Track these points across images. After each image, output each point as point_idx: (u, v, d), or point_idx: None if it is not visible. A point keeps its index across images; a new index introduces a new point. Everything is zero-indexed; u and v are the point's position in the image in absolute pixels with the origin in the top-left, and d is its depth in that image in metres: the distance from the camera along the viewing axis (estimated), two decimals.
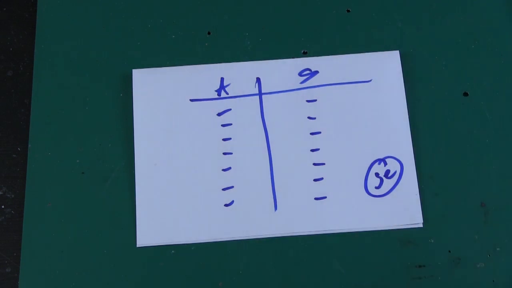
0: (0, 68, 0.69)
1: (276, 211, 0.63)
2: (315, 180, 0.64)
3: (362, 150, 0.64)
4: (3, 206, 0.65)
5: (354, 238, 0.62)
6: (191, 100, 0.66)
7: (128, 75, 0.67)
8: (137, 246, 0.63)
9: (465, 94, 0.66)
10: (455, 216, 0.63)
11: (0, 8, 0.71)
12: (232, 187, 0.64)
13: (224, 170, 0.64)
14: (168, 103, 0.66)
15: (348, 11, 0.69)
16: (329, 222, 0.63)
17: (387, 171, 0.64)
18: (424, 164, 0.64)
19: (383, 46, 0.67)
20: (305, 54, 0.67)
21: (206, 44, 0.68)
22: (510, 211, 0.63)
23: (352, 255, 0.62)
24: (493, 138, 0.65)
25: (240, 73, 0.67)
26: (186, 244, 0.63)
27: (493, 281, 0.62)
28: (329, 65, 0.67)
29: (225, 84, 0.66)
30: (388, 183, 0.63)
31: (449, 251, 0.62)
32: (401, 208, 0.63)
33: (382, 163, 0.64)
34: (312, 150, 0.64)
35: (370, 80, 0.66)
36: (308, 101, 0.66)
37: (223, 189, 0.64)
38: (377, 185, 0.63)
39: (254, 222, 0.63)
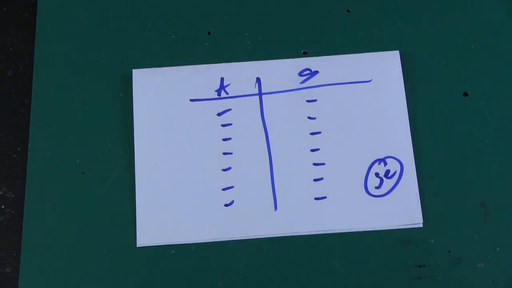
0: (0, 68, 0.69)
1: (276, 211, 0.63)
2: (315, 180, 0.64)
3: (362, 150, 0.64)
4: (3, 206, 0.65)
5: (354, 238, 0.62)
6: (191, 100, 0.66)
7: (128, 75, 0.67)
8: (137, 246, 0.63)
9: (465, 94, 0.66)
10: (455, 216, 0.63)
11: (0, 8, 0.71)
12: (232, 187, 0.64)
13: (224, 170, 0.64)
14: (168, 103, 0.66)
15: (348, 11, 0.69)
16: (329, 222, 0.63)
17: (387, 171, 0.64)
18: (424, 164, 0.64)
19: (383, 46, 0.67)
20: (305, 54, 0.67)
21: (206, 44, 0.68)
22: (510, 211, 0.63)
23: (352, 255, 0.62)
24: (493, 138, 0.65)
25: (240, 73, 0.67)
26: (186, 244, 0.63)
27: (493, 281, 0.62)
28: (329, 65, 0.67)
29: (225, 84, 0.66)
30: (388, 183, 0.63)
31: (449, 251, 0.62)
32: (401, 208, 0.63)
33: (382, 163, 0.64)
34: (312, 150, 0.64)
35: (370, 80, 0.66)
36: (308, 101, 0.66)
37: (223, 189, 0.64)
38: (377, 185, 0.63)
39: (254, 222, 0.63)
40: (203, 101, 0.66)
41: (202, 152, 0.64)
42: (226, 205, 0.63)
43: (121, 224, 0.63)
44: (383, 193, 0.63)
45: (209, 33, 0.68)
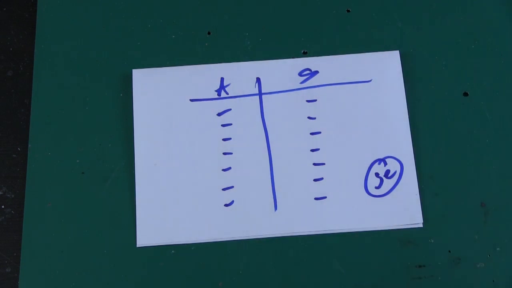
0: (0, 68, 0.69)
1: (276, 211, 0.63)
2: (315, 180, 0.64)
3: (362, 150, 0.64)
4: (3, 206, 0.65)
5: (354, 238, 0.62)
6: (191, 100, 0.66)
7: (128, 75, 0.67)
8: (137, 246, 0.63)
9: (465, 94, 0.66)
10: (455, 216, 0.63)
11: (0, 8, 0.71)
12: (232, 187, 0.64)
13: (224, 170, 0.64)
14: (168, 103, 0.66)
15: (348, 11, 0.69)
16: (329, 222, 0.63)
17: (387, 171, 0.64)
18: (424, 164, 0.64)
19: (383, 46, 0.67)
20: (305, 54, 0.67)
21: (206, 44, 0.68)
22: (510, 211, 0.63)
23: (352, 255, 0.62)
24: (493, 138, 0.65)
25: (240, 73, 0.67)
26: (186, 244, 0.63)
27: (493, 281, 0.62)
28: (329, 65, 0.67)
29: (225, 84, 0.66)
30: (388, 183, 0.63)
31: (449, 251, 0.62)
32: (401, 208, 0.63)
33: (382, 163, 0.64)
34: (312, 150, 0.64)
35: (370, 80, 0.66)
36: (308, 101, 0.66)
37: (223, 189, 0.64)
38: (377, 185, 0.63)
39: (254, 222, 0.63)
40: (203, 101, 0.66)
41: (202, 152, 0.64)
42: (226, 205, 0.63)
43: (121, 224, 0.63)
44: (383, 193, 0.63)
45: (209, 33, 0.68)
